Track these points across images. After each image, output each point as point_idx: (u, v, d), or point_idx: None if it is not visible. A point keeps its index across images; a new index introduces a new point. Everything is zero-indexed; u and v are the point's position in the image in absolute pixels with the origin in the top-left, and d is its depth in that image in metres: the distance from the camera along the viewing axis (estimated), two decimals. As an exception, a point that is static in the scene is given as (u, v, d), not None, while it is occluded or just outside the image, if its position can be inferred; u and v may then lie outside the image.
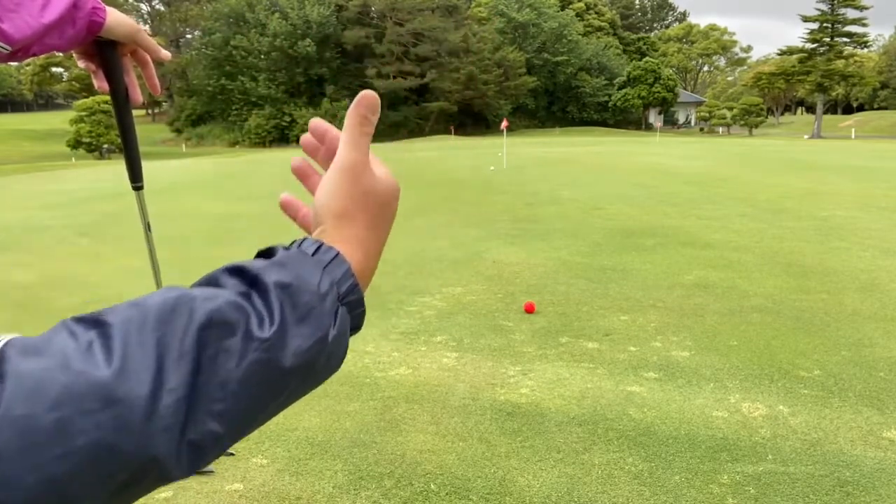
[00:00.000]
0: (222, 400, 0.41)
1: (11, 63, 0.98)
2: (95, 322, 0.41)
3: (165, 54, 1.14)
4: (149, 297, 0.43)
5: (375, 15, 60.93)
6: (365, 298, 0.53)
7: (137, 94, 1.14)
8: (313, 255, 0.49)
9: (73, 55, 1.07)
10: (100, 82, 1.10)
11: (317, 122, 0.62)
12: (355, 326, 0.51)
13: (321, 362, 0.46)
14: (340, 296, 0.48)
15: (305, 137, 0.63)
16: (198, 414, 0.40)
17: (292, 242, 0.51)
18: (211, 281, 0.46)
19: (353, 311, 0.50)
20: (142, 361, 0.39)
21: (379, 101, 0.57)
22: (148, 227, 1.36)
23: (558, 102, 69.98)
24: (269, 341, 0.43)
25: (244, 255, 0.52)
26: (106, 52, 1.06)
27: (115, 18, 1.01)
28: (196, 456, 0.40)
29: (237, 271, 0.46)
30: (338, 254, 0.50)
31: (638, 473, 2.94)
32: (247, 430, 0.45)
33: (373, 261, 0.55)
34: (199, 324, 0.41)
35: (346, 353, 0.50)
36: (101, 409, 0.36)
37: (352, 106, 0.56)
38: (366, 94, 0.56)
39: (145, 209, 1.34)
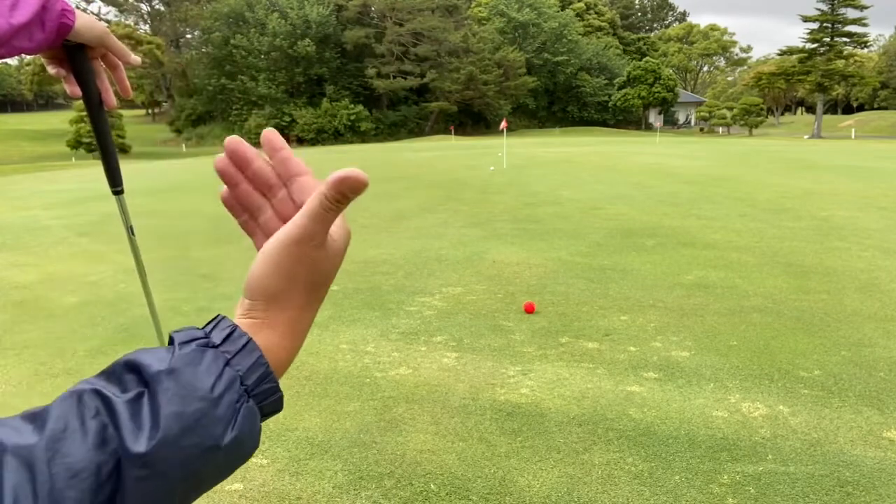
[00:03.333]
0: None
1: (9, 62, 0.98)
2: None
3: (135, 59, 1.12)
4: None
5: (375, 15, 60.92)
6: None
7: (111, 99, 1.13)
8: (220, 344, 0.46)
9: (43, 61, 1.06)
10: (72, 88, 1.09)
11: (236, 144, 0.53)
12: (273, 411, 0.49)
13: (211, 470, 0.44)
14: (248, 389, 0.45)
15: (221, 162, 0.53)
16: None
17: (208, 323, 0.48)
18: (112, 374, 0.44)
19: (265, 399, 0.47)
20: None
21: (366, 184, 0.47)
22: (131, 231, 1.34)
23: (558, 102, 69.99)
24: (146, 456, 0.40)
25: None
26: (76, 56, 1.04)
27: (84, 21, 0.99)
28: None
29: (135, 368, 0.44)
30: (248, 342, 0.47)
31: (638, 473, 2.94)
32: None
33: (301, 339, 0.52)
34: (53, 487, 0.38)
35: (255, 446, 0.47)
36: None
37: (333, 178, 0.47)
38: (354, 175, 0.47)
39: (127, 213, 1.33)
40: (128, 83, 1.13)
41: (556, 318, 5.09)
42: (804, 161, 20.46)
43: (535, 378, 3.98)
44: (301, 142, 53.61)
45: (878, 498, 2.74)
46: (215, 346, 0.46)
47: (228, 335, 0.47)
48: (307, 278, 0.50)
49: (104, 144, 1.21)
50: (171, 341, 0.46)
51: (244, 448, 0.45)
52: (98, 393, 0.42)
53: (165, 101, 72.42)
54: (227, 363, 0.45)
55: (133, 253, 1.31)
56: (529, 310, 5.24)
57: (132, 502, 0.39)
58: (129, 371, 0.44)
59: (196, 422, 0.42)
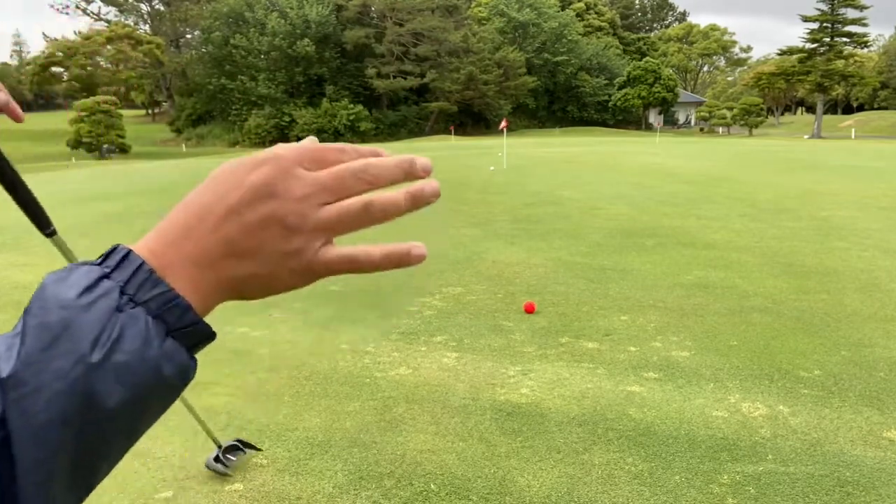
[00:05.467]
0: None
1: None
2: None
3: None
4: None
5: (375, 15, 60.89)
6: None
7: (18, 112, 1.14)
8: (99, 263, 0.41)
9: None
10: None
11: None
12: (186, 326, 0.41)
13: (104, 389, 0.38)
14: (132, 297, 0.40)
15: None
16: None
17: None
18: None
19: (162, 308, 0.40)
20: None
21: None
22: None
23: (558, 102, 69.97)
24: (14, 375, 0.37)
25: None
26: None
27: None
28: None
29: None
30: (128, 253, 0.41)
31: (638, 473, 2.94)
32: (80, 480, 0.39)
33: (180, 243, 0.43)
34: None
35: (165, 364, 0.40)
36: None
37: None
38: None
39: (71, 254, 1.27)
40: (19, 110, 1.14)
41: (556, 318, 5.09)
42: (804, 161, 20.46)
43: (535, 378, 3.97)
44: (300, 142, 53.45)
45: (878, 498, 2.74)
46: (94, 265, 0.42)
47: (109, 252, 0.42)
48: (234, 230, 0.42)
49: (17, 190, 1.16)
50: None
51: (142, 365, 0.39)
52: None
53: (165, 101, 72.37)
54: (105, 276, 0.40)
55: None
56: (529, 310, 5.23)
57: (18, 426, 0.36)
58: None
59: (64, 330, 0.38)
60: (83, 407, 0.37)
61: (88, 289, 0.39)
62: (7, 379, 0.37)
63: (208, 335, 0.43)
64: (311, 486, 2.88)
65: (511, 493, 2.81)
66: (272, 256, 0.43)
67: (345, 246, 0.45)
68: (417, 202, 0.45)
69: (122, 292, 0.40)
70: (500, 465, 3.02)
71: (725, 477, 2.90)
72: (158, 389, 0.40)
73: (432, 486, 2.88)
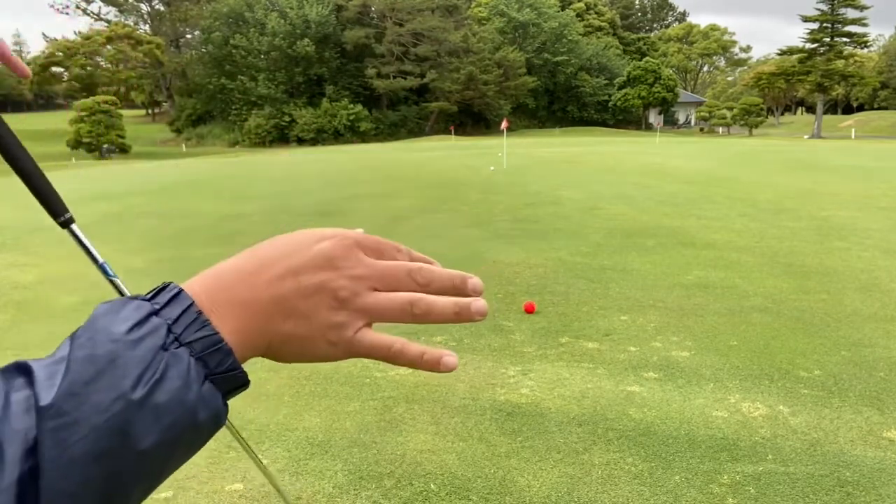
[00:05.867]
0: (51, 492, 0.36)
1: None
2: None
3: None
4: None
5: (375, 15, 60.89)
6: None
7: (25, 69, 1.14)
8: (150, 299, 0.42)
9: None
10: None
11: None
12: (221, 371, 0.42)
13: (142, 426, 0.38)
14: (178, 336, 0.40)
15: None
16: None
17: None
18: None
19: (205, 351, 0.41)
20: None
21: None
22: (104, 269, 1.06)
23: (558, 102, 69.99)
24: (54, 406, 0.37)
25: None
26: None
27: None
28: None
29: (73, 335, 0.41)
30: (179, 292, 0.42)
31: (638, 473, 2.94)
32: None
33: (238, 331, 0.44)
34: None
35: (200, 407, 0.40)
36: None
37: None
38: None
39: (90, 246, 1.08)
40: (23, 65, 1.15)
41: (556, 318, 5.09)
42: (804, 161, 20.46)
43: (535, 378, 3.98)
44: (301, 142, 53.56)
45: (878, 498, 2.74)
46: (144, 300, 0.42)
47: (161, 289, 0.43)
48: (289, 290, 0.44)
49: (27, 171, 1.00)
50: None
51: (180, 407, 0.39)
52: (23, 366, 0.40)
53: (165, 101, 72.38)
54: (154, 313, 0.41)
55: (118, 292, 1.06)
56: (529, 310, 5.24)
57: (51, 457, 0.36)
58: (71, 338, 0.41)
59: (109, 363, 0.38)
60: (117, 444, 0.37)
61: (138, 324, 0.40)
62: (47, 408, 0.37)
63: (244, 383, 0.44)
64: (311, 486, 2.88)
65: (511, 493, 2.81)
66: (315, 323, 0.45)
67: (384, 334, 0.47)
68: (462, 316, 0.48)
69: (169, 330, 0.40)
70: (500, 465, 3.02)
71: (725, 477, 2.90)
72: (190, 433, 0.41)
73: (432, 486, 2.88)
